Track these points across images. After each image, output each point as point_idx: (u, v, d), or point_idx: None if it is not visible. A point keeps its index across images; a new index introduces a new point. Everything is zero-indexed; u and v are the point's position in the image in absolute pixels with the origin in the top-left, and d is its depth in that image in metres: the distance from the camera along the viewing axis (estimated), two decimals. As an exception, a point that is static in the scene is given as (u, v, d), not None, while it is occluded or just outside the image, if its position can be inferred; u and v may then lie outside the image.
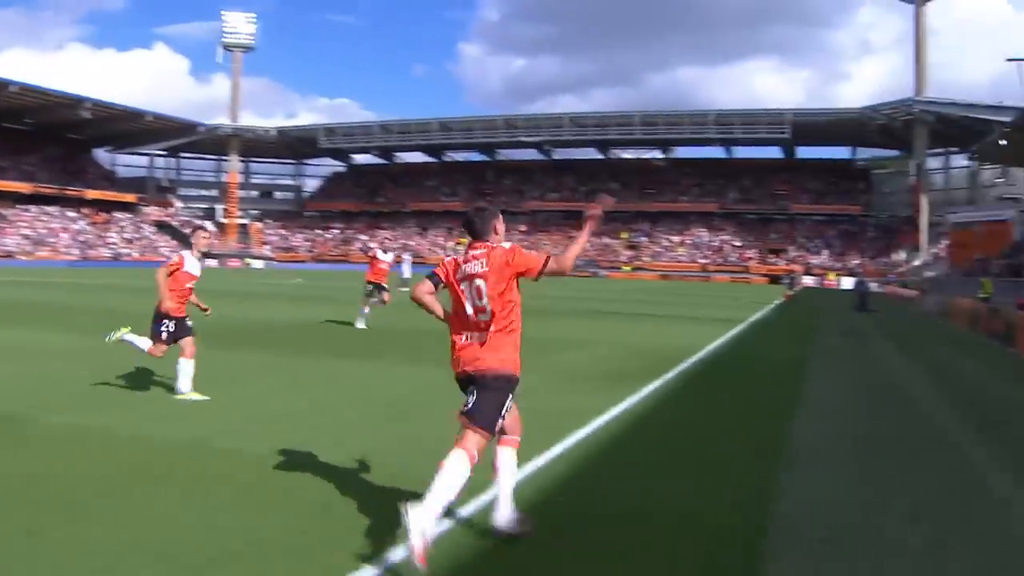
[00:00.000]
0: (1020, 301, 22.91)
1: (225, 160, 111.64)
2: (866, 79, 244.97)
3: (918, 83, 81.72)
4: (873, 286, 70.39)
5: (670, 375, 12.58)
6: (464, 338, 4.97)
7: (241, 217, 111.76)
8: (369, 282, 19.02)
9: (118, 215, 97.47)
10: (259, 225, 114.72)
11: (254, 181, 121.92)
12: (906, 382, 12.86)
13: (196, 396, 9.15)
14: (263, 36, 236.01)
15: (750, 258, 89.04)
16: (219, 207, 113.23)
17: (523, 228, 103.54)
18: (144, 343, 9.39)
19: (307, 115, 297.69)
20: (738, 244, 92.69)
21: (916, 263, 72.68)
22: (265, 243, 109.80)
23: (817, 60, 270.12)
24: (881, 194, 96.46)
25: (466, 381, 4.93)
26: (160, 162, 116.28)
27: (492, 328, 4.88)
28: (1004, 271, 43.76)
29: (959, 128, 74.70)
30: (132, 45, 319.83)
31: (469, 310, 4.95)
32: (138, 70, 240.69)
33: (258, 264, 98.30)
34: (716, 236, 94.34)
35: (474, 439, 4.70)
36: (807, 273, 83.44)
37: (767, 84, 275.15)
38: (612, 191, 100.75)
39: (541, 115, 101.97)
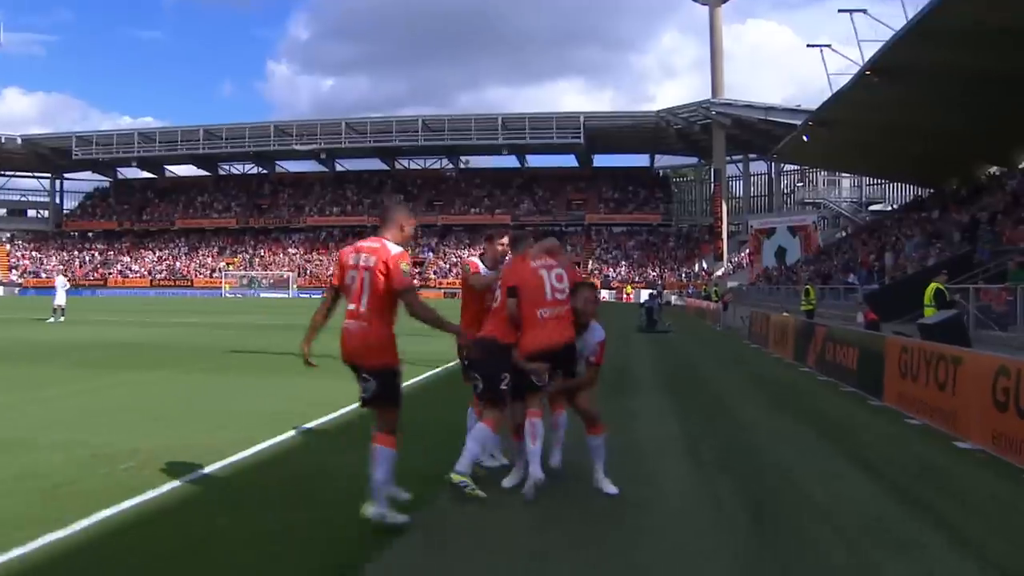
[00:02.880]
0: (869, 314, 15.17)
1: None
2: (669, 100, 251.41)
3: (715, 86, 76.64)
4: (672, 298, 65.09)
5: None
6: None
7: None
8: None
9: None
10: (7, 247, 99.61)
11: (3, 198, 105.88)
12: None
13: None
14: (63, 50, 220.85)
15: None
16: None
17: (298, 248, 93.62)
18: None
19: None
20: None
21: (718, 272, 67.38)
22: (13, 267, 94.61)
23: (623, 82, 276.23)
24: (681, 203, 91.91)
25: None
26: None
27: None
28: (813, 277, 38.42)
29: (756, 132, 70.42)
30: None
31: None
32: None
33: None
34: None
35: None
36: (604, 287, 77.38)
37: (573, 104, 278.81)
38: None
39: (317, 120, 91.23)
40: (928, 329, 11.22)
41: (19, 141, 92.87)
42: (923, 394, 9.32)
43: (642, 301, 41.57)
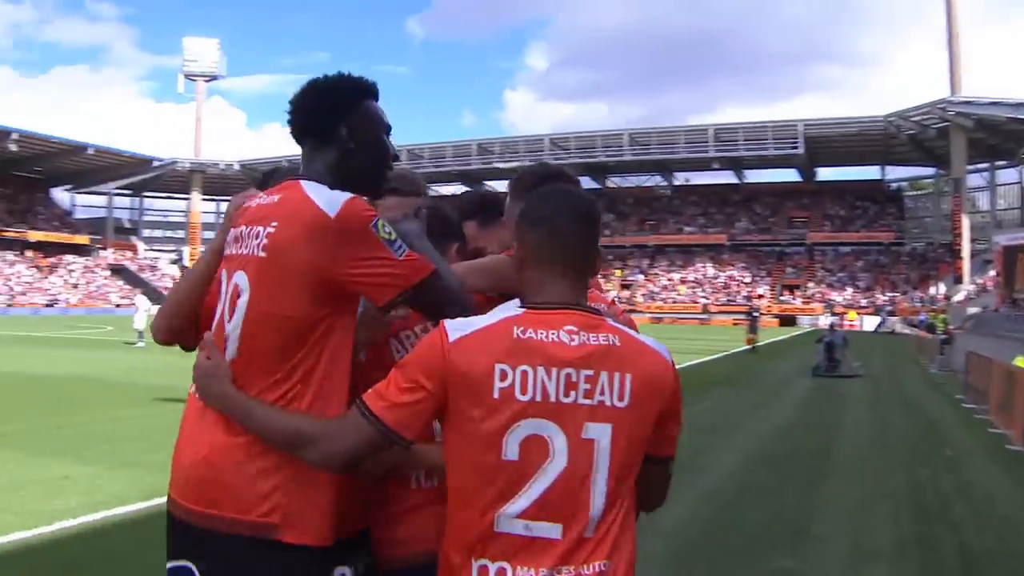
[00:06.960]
0: None
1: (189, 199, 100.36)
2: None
3: (953, 83, 67.07)
4: (897, 325, 57.81)
5: None
6: None
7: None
8: None
9: (69, 258, 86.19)
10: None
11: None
12: None
13: None
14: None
15: (761, 296, 75.01)
16: (186, 249, 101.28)
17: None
18: None
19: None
20: (748, 280, 78.88)
21: (958, 297, 58.91)
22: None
23: (865, 99, 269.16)
24: (916, 219, 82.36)
25: None
26: (124, 202, 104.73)
27: None
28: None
29: (1004, 135, 61.46)
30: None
31: None
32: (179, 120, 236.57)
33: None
34: (723, 271, 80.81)
35: None
36: (828, 311, 69.87)
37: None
38: (606, 223, 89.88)
39: (519, 137, 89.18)
40: None
41: (237, 167, 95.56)
42: None
43: (874, 328, 34.77)
